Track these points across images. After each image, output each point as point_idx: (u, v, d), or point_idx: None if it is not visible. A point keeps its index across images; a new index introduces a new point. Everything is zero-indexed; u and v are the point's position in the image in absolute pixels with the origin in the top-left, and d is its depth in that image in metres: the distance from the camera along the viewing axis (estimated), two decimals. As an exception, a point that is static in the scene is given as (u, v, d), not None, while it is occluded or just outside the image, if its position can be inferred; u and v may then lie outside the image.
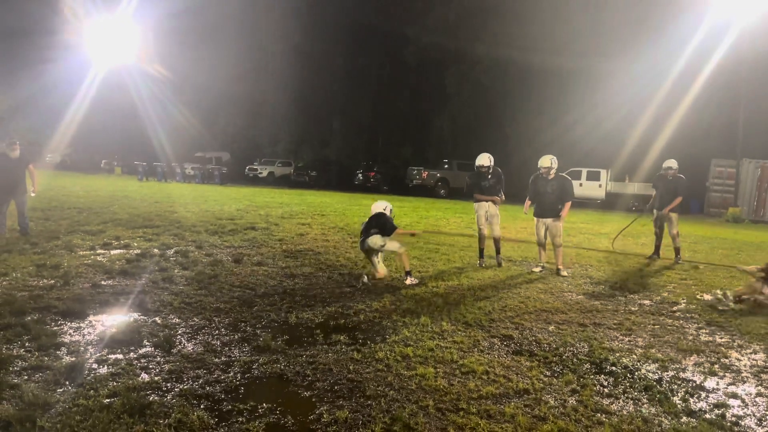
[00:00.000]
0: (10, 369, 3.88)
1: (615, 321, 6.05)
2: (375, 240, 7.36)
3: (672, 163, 10.17)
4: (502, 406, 3.74)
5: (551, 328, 5.66)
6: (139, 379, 3.84)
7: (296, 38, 43.41)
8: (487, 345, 5.00)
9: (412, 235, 10.53)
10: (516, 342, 5.14)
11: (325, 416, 3.46)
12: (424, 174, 32.11)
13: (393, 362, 4.41)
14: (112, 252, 8.41)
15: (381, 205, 7.77)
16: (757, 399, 4.16)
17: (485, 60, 35.43)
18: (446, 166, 32.94)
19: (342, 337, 4.93)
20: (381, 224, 7.48)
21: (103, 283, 6.47)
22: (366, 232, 7.49)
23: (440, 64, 38.38)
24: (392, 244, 7.51)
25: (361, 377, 4.10)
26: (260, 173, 40.27)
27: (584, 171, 27.74)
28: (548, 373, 4.42)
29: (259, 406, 3.54)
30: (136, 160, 35.35)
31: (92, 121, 41.33)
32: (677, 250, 10.10)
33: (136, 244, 9.08)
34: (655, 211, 10.34)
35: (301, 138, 46.00)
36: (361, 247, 7.61)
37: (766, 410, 3.97)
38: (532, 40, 32.28)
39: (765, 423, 3.77)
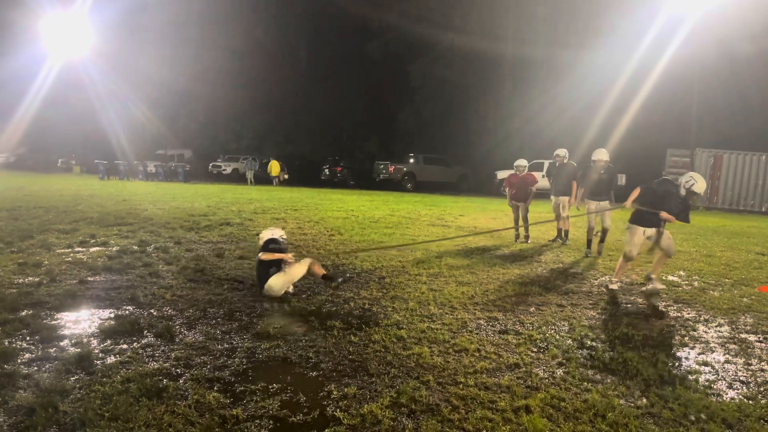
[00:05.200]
0: (19, 361, 3.95)
1: (590, 301, 6.40)
2: (275, 282, 5.93)
3: (560, 151, 10.86)
4: (497, 379, 4.01)
5: (532, 309, 5.96)
6: (149, 366, 3.95)
7: (257, 34, 43.02)
8: (474, 326, 5.26)
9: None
10: (501, 322, 5.42)
11: (334, 392, 3.65)
12: (391, 168, 32.35)
13: (389, 343, 4.63)
14: (91, 249, 8.37)
15: (277, 232, 6.68)
16: (725, 366, 4.53)
17: (448, 54, 35.87)
18: (412, 160, 33.24)
19: (337, 323, 5.12)
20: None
21: (89, 279, 6.48)
22: (262, 277, 6.03)
23: (403, 59, 38.66)
24: (298, 270, 6.14)
25: (362, 358, 4.30)
26: (224, 170, 39.80)
27: (546, 163, 28.45)
28: (535, 349, 4.70)
29: (270, 387, 3.71)
30: (95, 158, 34.51)
31: (46, 118, 40.06)
32: (565, 233, 10.99)
33: (113, 242, 9.04)
34: (552, 197, 10.96)
35: (264, 134, 45.59)
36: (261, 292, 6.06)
37: (734, 375, 4.34)
38: (494, 33, 32.98)
39: (735, 386, 4.13)
